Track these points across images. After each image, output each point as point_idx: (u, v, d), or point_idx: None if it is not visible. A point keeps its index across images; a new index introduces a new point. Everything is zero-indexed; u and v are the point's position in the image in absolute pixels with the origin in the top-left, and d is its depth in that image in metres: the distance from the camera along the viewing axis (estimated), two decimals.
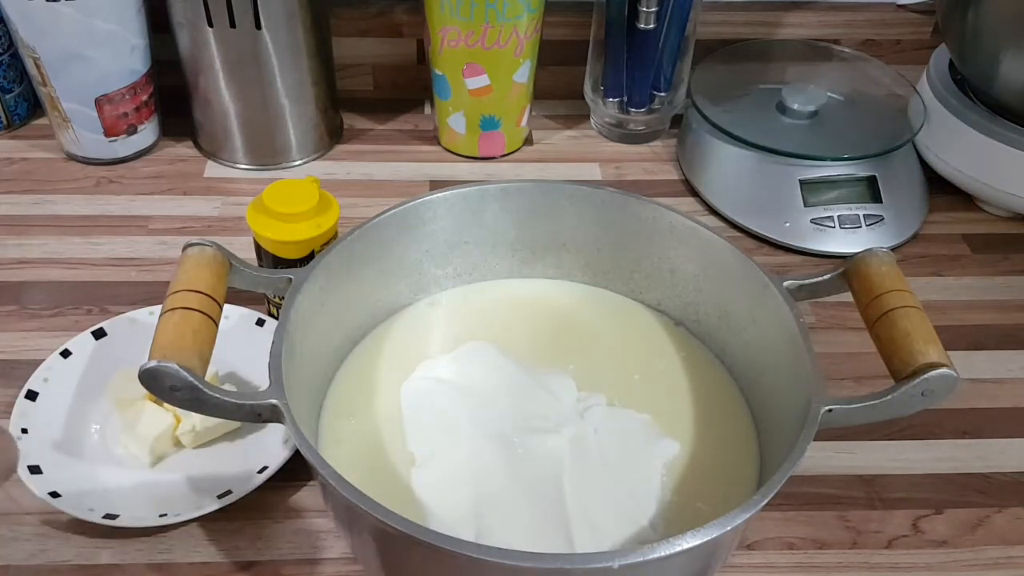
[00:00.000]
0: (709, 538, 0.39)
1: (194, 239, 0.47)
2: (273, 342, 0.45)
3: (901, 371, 0.44)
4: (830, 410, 0.44)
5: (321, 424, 0.52)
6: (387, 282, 0.57)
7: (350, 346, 0.56)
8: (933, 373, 0.43)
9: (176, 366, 0.41)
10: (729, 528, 0.39)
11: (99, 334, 0.58)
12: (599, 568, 0.38)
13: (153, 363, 0.41)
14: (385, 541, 0.43)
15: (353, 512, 0.41)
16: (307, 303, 0.49)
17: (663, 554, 0.38)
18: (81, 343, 0.58)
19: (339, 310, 0.54)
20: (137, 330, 0.58)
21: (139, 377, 0.41)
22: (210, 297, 0.45)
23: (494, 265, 0.61)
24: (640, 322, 0.60)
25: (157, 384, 0.41)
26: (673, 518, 0.48)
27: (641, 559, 0.38)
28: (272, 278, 0.50)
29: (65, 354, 0.57)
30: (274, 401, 0.43)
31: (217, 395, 0.42)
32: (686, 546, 0.38)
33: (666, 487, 0.49)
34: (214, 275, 0.46)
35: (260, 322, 0.60)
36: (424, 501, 0.48)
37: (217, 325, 0.45)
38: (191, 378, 0.41)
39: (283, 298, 0.49)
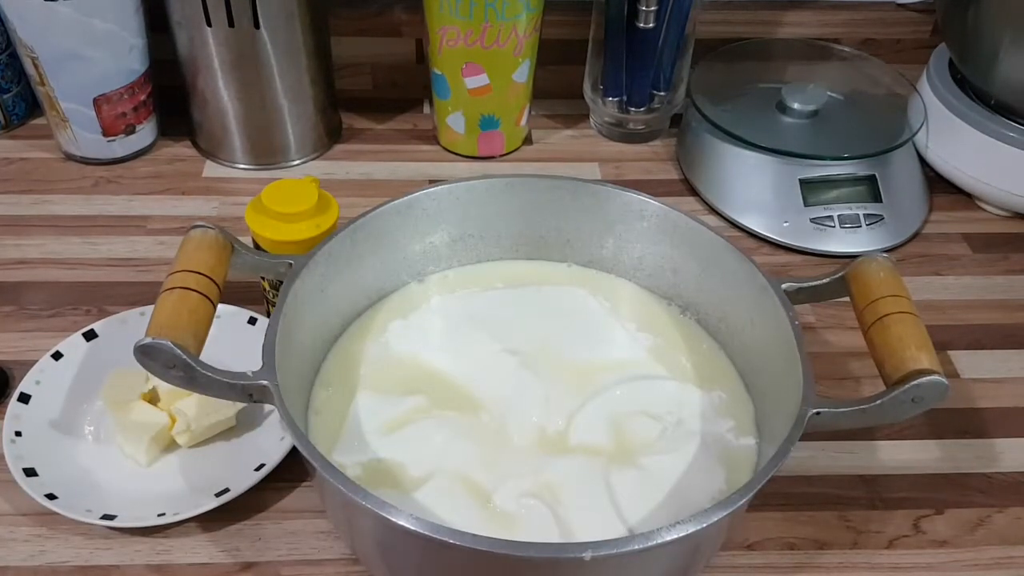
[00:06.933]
0: (684, 534, 0.39)
1: (199, 222, 0.48)
2: (269, 324, 0.46)
3: (892, 376, 0.44)
4: (818, 413, 0.44)
5: (309, 398, 0.53)
6: (388, 271, 0.58)
7: (344, 328, 0.57)
8: (923, 380, 0.43)
9: (170, 343, 0.42)
10: (705, 524, 0.39)
11: (90, 335, 0.58)
12: (571, 558, 0.38)
13: (148, 340, 0.42)
14: (379, 531, 0.44)
15: (345, 501, 0.41)
16: (306, 289, 0.50)
17: (637, 547, 0.38)
18: (72, 345, 0.58)
19: (338, 297, 0.54)
20: (128, 331, 0.58)
21: (134, 353, 0.42)
22: (209, 278, 0.46)
23: (497, 258, 0.61)
24: (640, 301, 0.60)
25: (152, 361, 0.42)
26: (666, 518, 0.48)
27: (615, 551, 0.38)
28: (272, 262, 0.51)
29: (56, 356, 0.57)
30: (265, 382, 0.43)
31: (210, 373, 0.43)
32: (660, 540, 0.38)
33: (662, 485, 0.49)
34: (215, 257, 0.47)
35: (252, 320, 0.60)
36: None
37: (215, 306, 0.46)
38: (184, 356, 0.42)
39: None
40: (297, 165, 0.79)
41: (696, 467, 0.49)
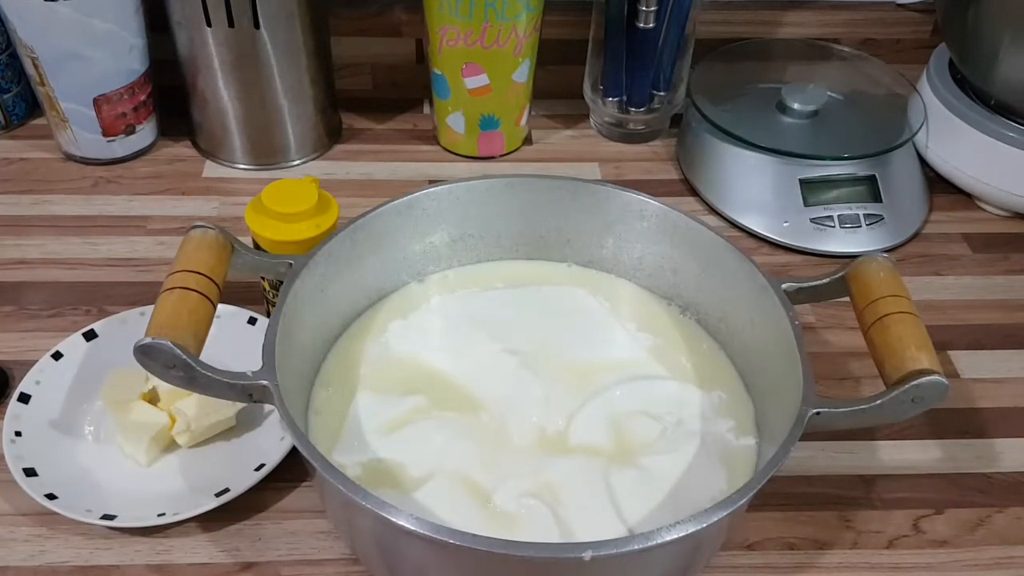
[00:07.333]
0: (684, 533, 0.39)
1: (199, 222, 0.48)
2: (269, 324, 0.46)
3: (892, 376, 0.44)
4: (818, 413, 0.44)
5: (309, 398, 0.53)
6: (388, 271, 0.58)
7: (344, 328, 0.57)
8: (923, 380, 0.43)
9: (170, 343, 0.42)
10: (705, 524, 0.39)
11: (90, 335, 0.58)
12: (571, 558, 0.38)
13: (148, 340, 0.42)
14: (379, 531, 0.44)
15: (345, 501, 0.41)
16: (306, 289, 0.50)
17: (637, 547, 0.38)
18: (72, 345, 0.58)
19: (338, 297, 0.54)
20: (128, 331, 0.58)
21: (134, 353, 0.42)
22: (208, 278, 0.46)
23: (497, 258, 0.61)
24: (641, 301, 0.60)
25: (152, 361, 0.42)
26: (666, 518, 0.48)
27: (615, 551, 0.38)
28: (272, 262, 0.51)
29: (56, 356, 0.57)
30: (265, 382, 0.43)
31: (210, 373, 0.43)
32: (660, 540, 0.38)
33: (662, 485, 0.49)
34: (214, 257, 0.47)
35: (252, 320, 0.60)
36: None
37: (215, 306, 0.46)
38: (184, 356, 0.42)
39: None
40: (297, 165, 0.79)
41: (696, 467, 0.49)
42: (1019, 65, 0.70)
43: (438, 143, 0.82)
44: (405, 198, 0.55)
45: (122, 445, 0.54)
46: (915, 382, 0.43)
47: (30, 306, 0.64)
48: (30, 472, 0.51)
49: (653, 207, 0.56)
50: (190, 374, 0.43)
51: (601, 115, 0.83)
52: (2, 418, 0.54)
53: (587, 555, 0.38)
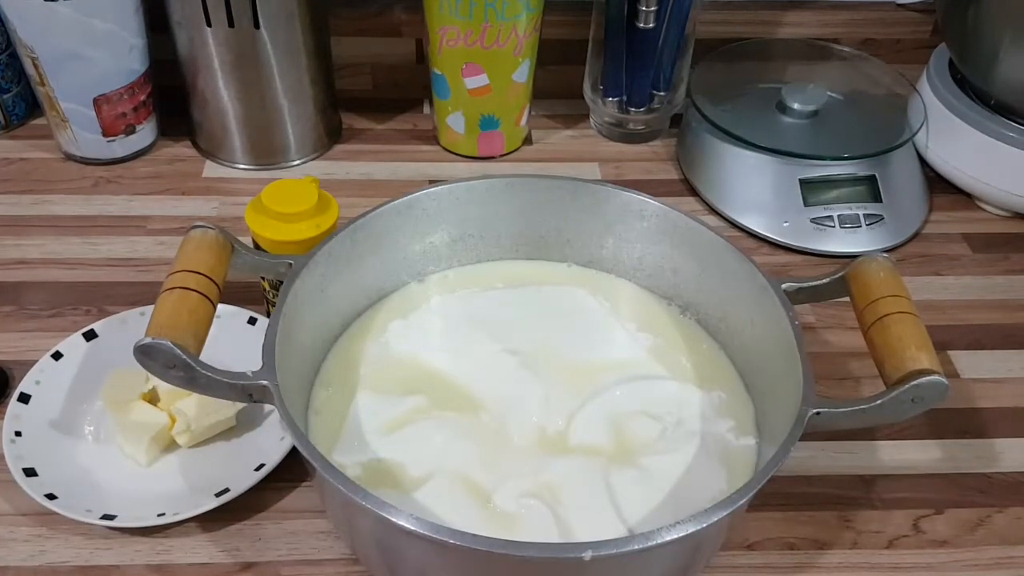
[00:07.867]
0: (684, 533, 0.39)
1: (199, 222, 0.48)
2: (269, 324, 0.46)
3: (892, 376, 0.44)
4: (818, 413, 0.44)
5: (309, 398, 0.53)
6: (388, 271, 0.58)
7: (344, 328, 0.57)
8: (923, 380, 0.43)
9: (170, 343, 0.42)
10: (705, 524, 0.39)
11: (90, 335, 0.58)
12: (571, 558, 0.38)
13: (148, 340, 0.42)
14: (379, 531, 0.44)
15: (345, 501, 0.41)
16: (306, 289, 0.50)
17: (637, 547, 0.38)
18: (72, 345, 0.58)
19: (338, 297, 0.54)
20: (128, 331, 0.58)
21: (134, 353, 0.42)
22: (208, 278, 0.46)
23: (497, 258, 0.61)
24: (641, 301, 0.60)
25: (152, 361, 0.42)
26: (666, 518, 0.48)
27: (615, 551, 0.38)
28: (272, 262, 0.51)
29: (56, 356, 0.57)
30: (265, 382, 0.44)
31: (210, 373, 0.43)
32: (660, 540, 0.39)
33: (662, 485, 0.49)
34: (214, 257, 0.47)
35: (252, 320, 0.60)
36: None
37: (215, 306, 0.46)
38: (184, 356, 0.42)
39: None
40: (297, 165, 0.79)
41: (696, 467, 0.49)
42: (1019, 65, 0.70)
43: (438, 143, 0.82)
44: (405, 198, 0.55)
45: (122, 445, 0.54)
46: (915, 382, 0.43)
47: (30, 306, 0.64)
48: (30, 472, 0.51)
49: (653, 207, 0.56)
50: (190, 374, 0.43)
51: (601, 115, 0.83)
52: (2, 418, 0.54)
53: (587, 555, 0.38)
